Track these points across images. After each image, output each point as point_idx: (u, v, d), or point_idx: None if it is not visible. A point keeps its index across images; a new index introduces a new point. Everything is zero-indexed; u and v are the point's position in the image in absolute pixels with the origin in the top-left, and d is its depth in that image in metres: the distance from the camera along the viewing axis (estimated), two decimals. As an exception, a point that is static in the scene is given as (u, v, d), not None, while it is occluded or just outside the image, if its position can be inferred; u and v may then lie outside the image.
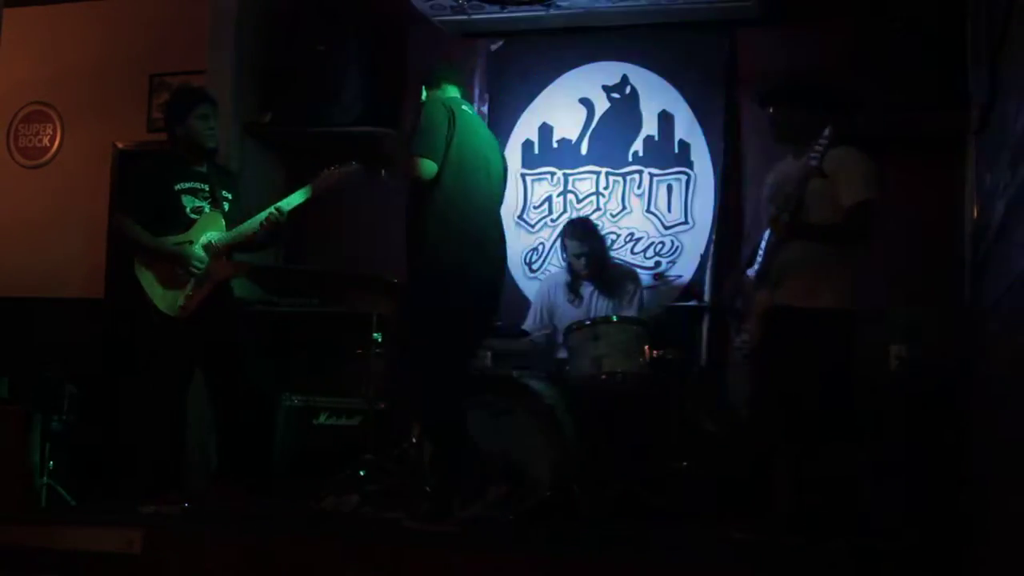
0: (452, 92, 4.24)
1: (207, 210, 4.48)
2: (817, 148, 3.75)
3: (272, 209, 4.44)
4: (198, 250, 4.41)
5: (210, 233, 4.44)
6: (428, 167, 3.93)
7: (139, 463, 4.65)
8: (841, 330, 3.87)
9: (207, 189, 4.52)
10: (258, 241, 4.55)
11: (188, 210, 4.47)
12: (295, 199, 4.50)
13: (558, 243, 5.31)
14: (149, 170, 4.72)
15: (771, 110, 4.13)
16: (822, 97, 4.08)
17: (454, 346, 4.02)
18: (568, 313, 5.03)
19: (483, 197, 4.12)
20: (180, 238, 4.43)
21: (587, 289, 5.09)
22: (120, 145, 6.30)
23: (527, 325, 5.14)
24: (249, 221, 4.47)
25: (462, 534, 3.81)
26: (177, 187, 4.48)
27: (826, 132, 3.76)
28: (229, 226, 4.48)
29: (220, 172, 4.66)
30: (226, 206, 4.54)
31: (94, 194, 6.25)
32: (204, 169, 4.54)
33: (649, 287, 5.17)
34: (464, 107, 4.19)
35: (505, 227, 4.31)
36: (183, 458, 4.56)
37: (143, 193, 4.56)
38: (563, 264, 5.22)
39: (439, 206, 3.97)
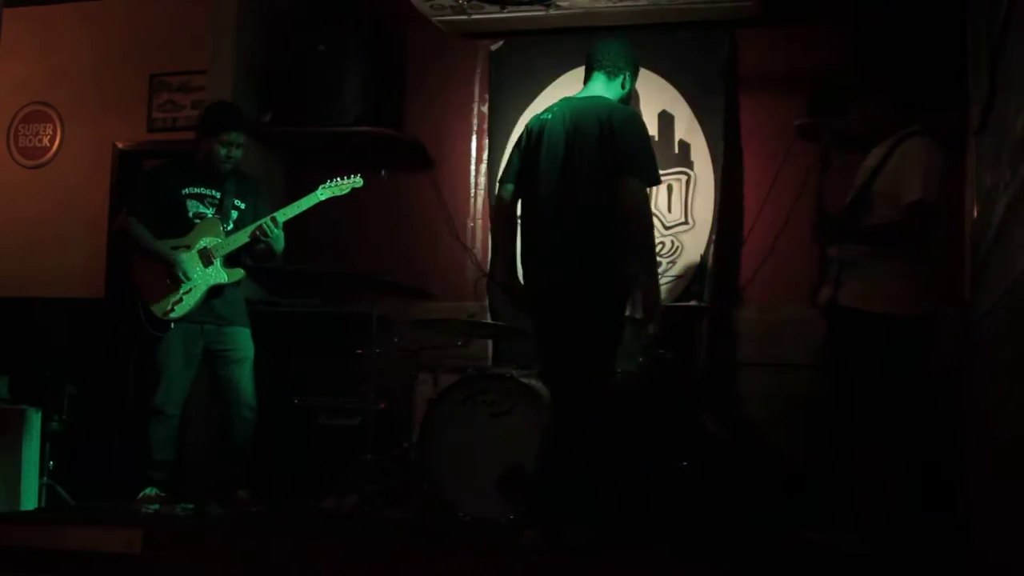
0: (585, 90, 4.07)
1: (210, 216, 4.48)
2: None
3: (266, 220, 4.43)
4: (191, 256, 4.41)
5: (207, 239, 4.44)
6: (500, 190, 3.94)
7: (138, 464, 4.65)
8: (886, 338, 3.69)
9: (217, 196, 4.51)
10: (258, 251, 4.53)
11: (191, 215, 4.47)
12: (292, 210, 4.50)
13: None
14: (159, 170, 4.74)
15: (853, 106, 4.04)
16: (904, 91, 4.01)
17: None
18: None
19: (542, 204, 3.82)
20: (178, 242, 4.43)
21: None
22: (120, 145, 6.29)
23: None
24: (242, 230, 4.47)
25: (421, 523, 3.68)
26: (184, 191, 4.49)
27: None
28: (231, 234, 4.48)
29: (240, 180, 4.64)
30: (234, 214, 4.53)
31: (94, 194, 6.24)
32: (220, 176, 4.54)
33: None
34: (553, 111, 3.91)
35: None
36: (181, 460, 4.56)
37: (149, 192, 4.57)
38: None
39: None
